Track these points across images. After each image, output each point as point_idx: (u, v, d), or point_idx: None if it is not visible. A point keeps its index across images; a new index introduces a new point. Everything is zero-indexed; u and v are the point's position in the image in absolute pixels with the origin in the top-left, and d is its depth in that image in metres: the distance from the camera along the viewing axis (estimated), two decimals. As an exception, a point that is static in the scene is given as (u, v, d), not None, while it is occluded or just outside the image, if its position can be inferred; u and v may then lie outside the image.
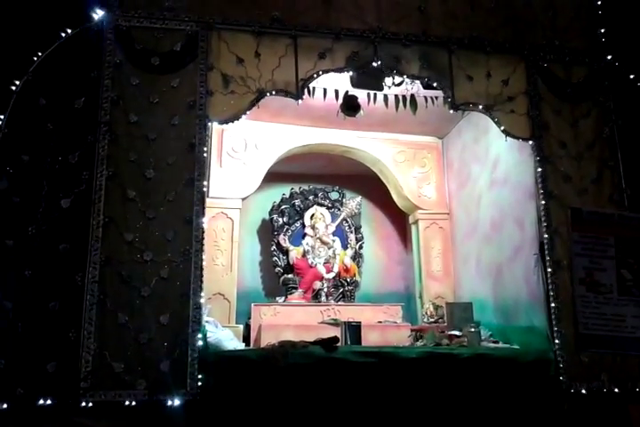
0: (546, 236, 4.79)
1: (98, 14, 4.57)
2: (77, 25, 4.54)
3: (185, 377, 4.02)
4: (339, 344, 4.72)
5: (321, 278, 6.59)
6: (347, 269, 6.76)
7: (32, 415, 3.83)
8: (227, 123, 4.73)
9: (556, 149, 5.02)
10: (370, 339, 5.33)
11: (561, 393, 4.50)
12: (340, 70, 4.86)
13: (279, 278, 6.69)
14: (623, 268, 4.75)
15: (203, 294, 4.26)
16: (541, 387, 4.55)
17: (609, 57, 5.34)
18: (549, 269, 4.73)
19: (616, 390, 4.55)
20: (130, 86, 4.47)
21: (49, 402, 3.85)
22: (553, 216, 4.83)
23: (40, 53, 4.44)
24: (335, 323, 5.52)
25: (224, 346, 4.60)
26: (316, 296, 6.51)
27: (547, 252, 4.77)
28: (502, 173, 5.71)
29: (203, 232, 4.33)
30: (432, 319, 6.11)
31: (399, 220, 7.56)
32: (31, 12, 5.66)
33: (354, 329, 5.08)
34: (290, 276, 6.62)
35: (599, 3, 5.49)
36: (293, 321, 5.68)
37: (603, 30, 5.42)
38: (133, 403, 3.92)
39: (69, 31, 4.51)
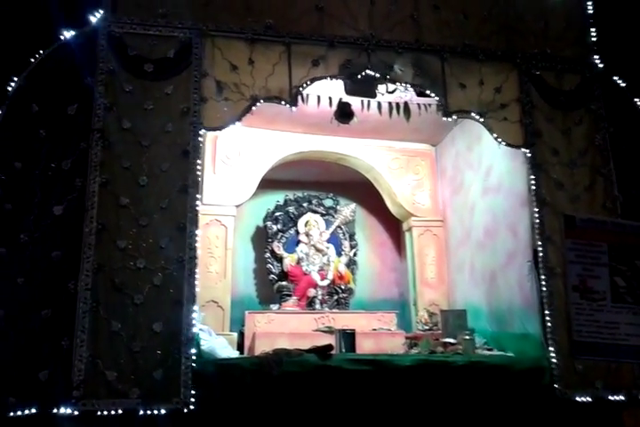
0: (539, 243, 4.80)
1: (91, 21, 4.56)
2: (70, 31, 4.52)
3: (178, 386, 3.98)
4: (333, 352, 4.69)
5: (315, 286, 6.58)
6: (341, 277, 6.75)
7: (23, 424, 3.78)
8: (220, 129, 4.73)
9: (549, 157, 5.03)
10: (364, 347, 5.31)
11: (556, 401, 4.49)
12: (333, 77, 4.87)
13: (273, 286, 6.67)
14: (616, 275, 4.76)
15: (196, 301, 4.23)
16: (536, 395, 4.54)
17: (600, 65, 5.39)
18: (543, 277, 4.73)
19: (610, 397, 4.54)
20: (123, 93, 4.45)
21: (41, 411, 3.79)
22: (546, 223, 4.83)
23: (33, 60, 4.42)
24: (329, 331, 5.50)
25: (218, 354, 4.56)
26: (311, 304, 6.49)
27: (540, 259, 4.77)
28: (495, 181, 5.73)
29: (196, 239, 4.31)
30: (426, 327, 6.09)
31: (393, 227, 7.55)
32: (24, 19, 5.66)
33: (348, 337, 5.06)
34: (284, 283, 6.60)
35: (590, 12, 5.54)
36: (287, 329, 5.66)
37: (594, 39, 5.46)
38: (126, 412, 3.87)
39: (62, 38, 4.49)
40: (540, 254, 4.78)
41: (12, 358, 3.88)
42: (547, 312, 4.65)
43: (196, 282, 4.25)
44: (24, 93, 4.34)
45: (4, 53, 5.06)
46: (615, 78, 5.38)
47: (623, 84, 5.38)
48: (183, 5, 4.69)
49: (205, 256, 5.82)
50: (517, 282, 5.15)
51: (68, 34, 4.51)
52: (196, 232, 4.32)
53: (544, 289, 4.70)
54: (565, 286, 4.65)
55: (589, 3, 5.55)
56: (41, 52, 4.45)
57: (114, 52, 4.51)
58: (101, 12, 4.59)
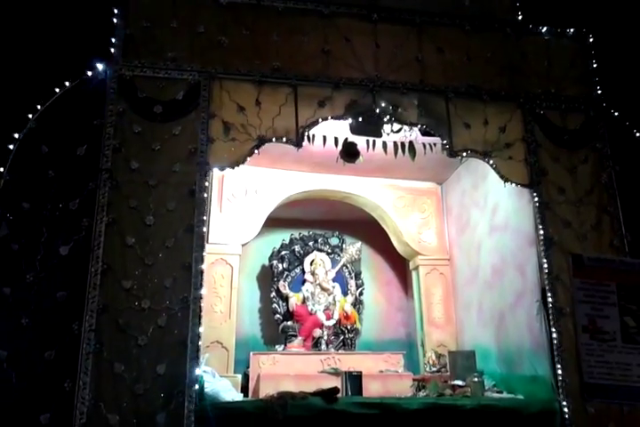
0: (547, 282, 4.75)
1: (102, 64, 4.66)
2: (81, 74, 4.63)
3: (181, 430, 3.90)
4: (339, 395, 4.61)
5: (321, 326, 6.50)
6: (347, 316, 6.68)
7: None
8: (226, 169, 4.77)
9: (555, 195, 5.04)
10: (371, 389, 5.22)
11: (568, 446, 4.37)
12: (339, 118, 4.94)
13: (278, 326, 6.59)
14: (626, 315, 4.70)
15: (201, 342, 4.18)
16: (548, 439, 4.42)
17: (604, 104, 5.44)
18: (552, 317, 4.66)
19: (625, 442, 4.42)
20: (132, 134, 4.53)
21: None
22: (554, 262, 4.80)
23: (44, 102, 4.50)
24: (335, 372, 5.41)
25: (222, 397, 4.48)
26: (316, 344, 6.41)
27: (549, 298, 4.71)
28: (502, 219, 5.71)
29: (202, 279, 4.29)
30: (434, 368, 5.99)
31: (399, 265, 7.51)
32: (36, 61, 5.81)
33: (355, 379, 4.98)
34: (289, 323, 6.53)
35: (593, 52, 5.64)
36: (293, 370, 5.57)
37: (597, 78, 5.54)
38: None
39: (73, 80, 4.59)
40: (549, 294, 4.72)
41: (14, 400, 3.82)
42: (556, 353, 4.57)
43: (201, 323, 4.20)
44: (34, 135, 4.41)
45: (16, 96, 5.16)
46: (619, 117, 5.42)
47: (628, 123, 5.42)
48: (192, 49, 4.82)
49: (210, 296, 5.79)
50: (526, 322, 5.07)
51: (78, 77, 4.60)
52: (202, 272, 4.30)
53: (553, 330, 4.63)
54: (575, 326, 4.60)
55: (592, 42, 5.65)
56: (51, 94, 4.53)
57: (124, 95, 4.61)
58: (113, 55, 4.70)
